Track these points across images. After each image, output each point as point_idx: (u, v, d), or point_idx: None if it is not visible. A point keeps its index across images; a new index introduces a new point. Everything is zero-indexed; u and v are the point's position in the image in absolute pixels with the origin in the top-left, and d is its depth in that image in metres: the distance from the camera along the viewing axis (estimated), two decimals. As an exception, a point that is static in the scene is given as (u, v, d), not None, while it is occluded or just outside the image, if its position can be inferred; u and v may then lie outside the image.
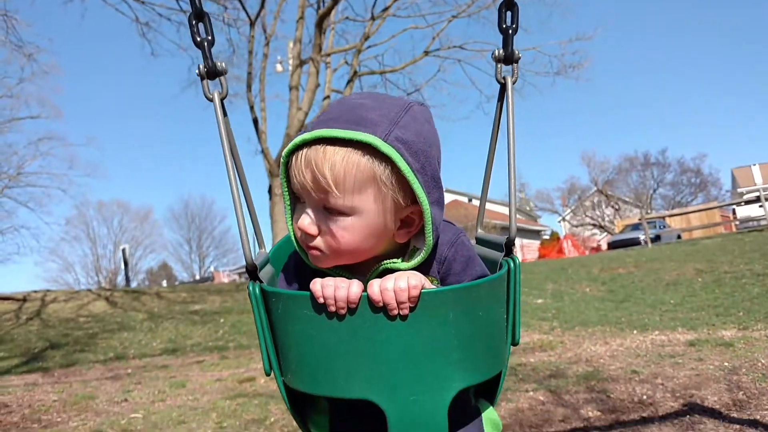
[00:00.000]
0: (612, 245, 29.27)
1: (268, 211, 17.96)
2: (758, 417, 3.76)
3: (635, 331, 7.41)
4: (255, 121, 18.64)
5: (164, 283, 50.95)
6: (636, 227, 30.08)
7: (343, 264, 1.25)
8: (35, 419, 5.93)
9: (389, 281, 1.07)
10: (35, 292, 17.40)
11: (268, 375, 1.25)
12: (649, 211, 46.82)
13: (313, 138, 1.14)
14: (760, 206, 22.33)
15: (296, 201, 1.26)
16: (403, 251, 1.29)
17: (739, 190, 47.70)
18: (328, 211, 1.18)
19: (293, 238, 1.29)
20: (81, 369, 9.13)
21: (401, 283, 1.06)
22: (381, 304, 1.06)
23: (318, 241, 1.21)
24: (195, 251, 62.96)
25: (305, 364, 1.13)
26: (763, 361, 5.04)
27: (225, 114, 1.26)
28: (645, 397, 4.57)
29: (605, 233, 47.97)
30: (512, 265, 1.27)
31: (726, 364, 5.16)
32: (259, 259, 1.30)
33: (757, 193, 23.55)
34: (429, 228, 1.19)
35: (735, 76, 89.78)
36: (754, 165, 50.38)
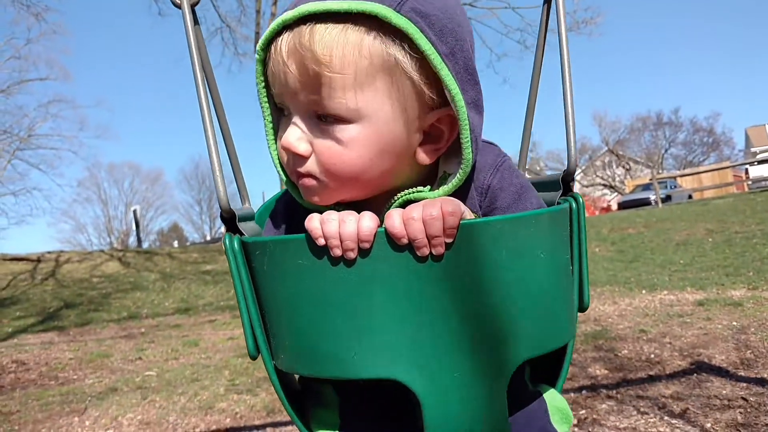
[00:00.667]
0: (622, 205, 29.15)
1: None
2: (765, 375, 3.78)
3: (644, 291, 7.42)
4: (263, 81, 18.50)
5: (175, 244, 51.39)
6: (647, 187, 29.90)
7: (348, 199, 0.94)
8: (52, 376, 6.07)
9: (415, 209, 0.78)
10: (49, 252, 17.60)
11: (253, 358, 0.95)
12: (660, 171, 46.44)
13: (298, 17, 0.83)
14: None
15: (280, 115, 0.96)
16: (429, 181, 0.97)
17: (753, 149, 47.14)
18: (322, 120, 0.87)
19: (278, 168, 0.98)
20: (95, 328, 9.29)
21: (432, 209, 0.76)
22: (405, 241, 0.76)
23: (311, 165, 0.89)
24: (206, 212, 63.41)
25: (303, 337, 0.84)
26: (771, 321, 5.05)
27: (196, 22, 1.03)
28: (653, 355, 4.60)
29: (615, 193, 47.72)
30: (574, 204, 0.97)
31: (734, 323, 5.17)
32: (241, 212, 1.01)
33: (770, 153, 23.28)
34: (466, 135, 0.87)
35: (752, 34, 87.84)
36: (769, 124, 49.62)
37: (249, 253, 0.90)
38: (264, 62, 0.91)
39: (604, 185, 51.50)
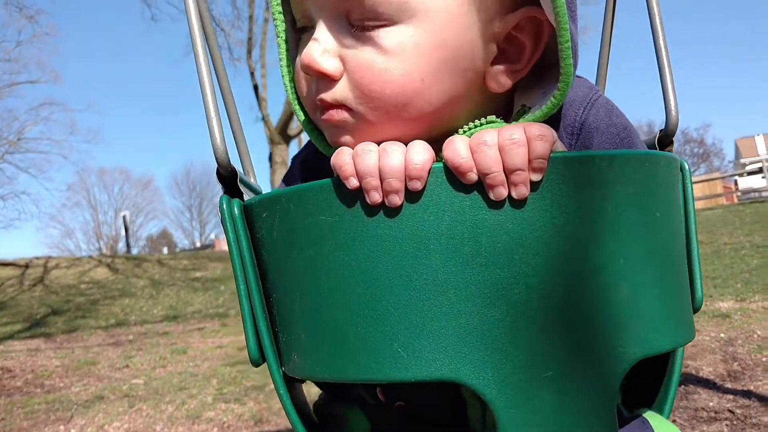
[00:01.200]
0: (613, 215, 29.30)
1: (269, 179, 17.97)
2: (752, 388, 3.80)
3: (633, 302, 7.45)
4: (255, 88, 18.52)
5: (165, 250, 51.23)
6: (637, 197, 30.05)
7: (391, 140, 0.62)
8: (38, 384, 6.01)
9: (488, 132, 0.55)
10: (37, 258, 17.48)
11: (256, 364, 0.69)
12: (650, 182, 46.73)
13: None
14: (763, 177, 22.30)
15: (298, 37, 0.72)
16: (502, 115, 0.71)
17: (742, 160, 47.54)
18: (357, 26, 0.63)
19: (295, 105, 0.74)
20: (83, 335, 9.22)
21: (513, 131, 0.54)
22: (474, 177, 0.53)
23: (341, 89, 0.65)
24: (196, 218, 63.12)
25: (326, 327, 0.60)
26: (759, 333, 5.07)
27: None
28: (641, 367, 4.61)
29: (606, 203, 47.94)
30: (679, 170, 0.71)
31: (722, 335, 5.20)
32: (245, 179, 0.78)
33: (759, 164, 23.52)
34: (566, 38, 0.62)
35: (742, 46, 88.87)
36: (758, 135, 50.08)
37: (253, 219, 0.67)
38: None
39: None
